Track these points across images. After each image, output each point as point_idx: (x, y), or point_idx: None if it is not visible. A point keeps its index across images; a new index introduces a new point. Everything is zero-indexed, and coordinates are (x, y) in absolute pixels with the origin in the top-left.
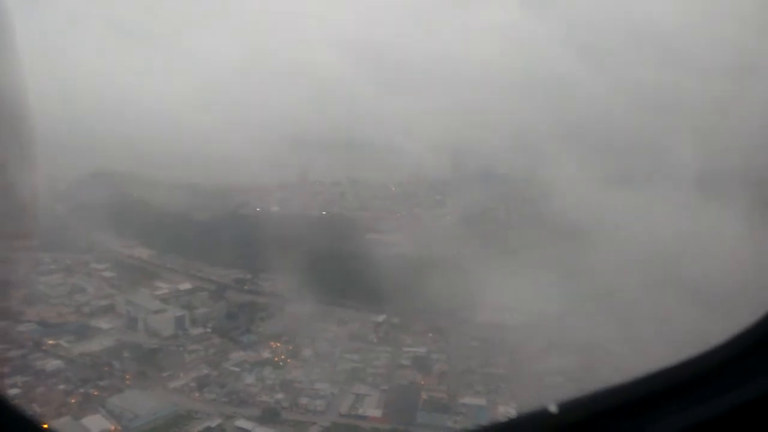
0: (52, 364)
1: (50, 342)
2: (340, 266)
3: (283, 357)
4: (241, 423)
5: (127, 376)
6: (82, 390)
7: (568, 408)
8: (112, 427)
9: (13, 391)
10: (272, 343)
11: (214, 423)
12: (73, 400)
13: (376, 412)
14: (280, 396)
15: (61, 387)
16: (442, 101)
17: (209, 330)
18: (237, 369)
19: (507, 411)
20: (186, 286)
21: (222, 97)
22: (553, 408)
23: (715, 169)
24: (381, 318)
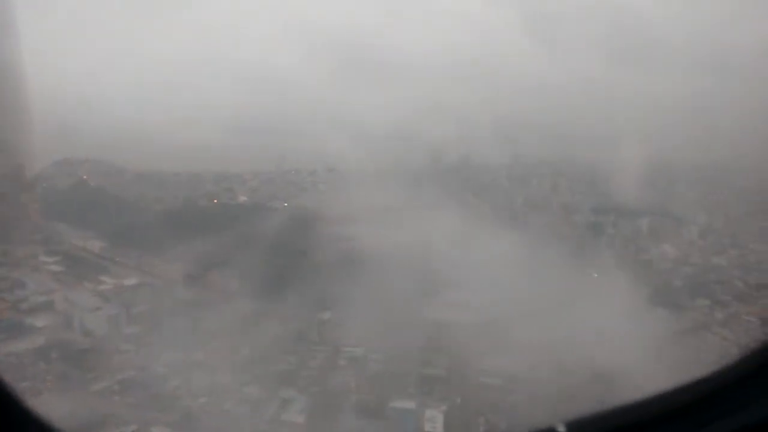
0: None
1: None
2: (294, 261)
3: (216, 358)
4: (157, 430)
5: (49, 379)
6: None
7: (573, 428)
8: None
9: None
10: (208, 344)
11: (128, 429)
12: None
13: (299, 418)
14: (204, 400)
15: None
16: (411, 91)
17: (145, 329)
18: (165, 371)
19: (435, 415)
20: (132, 281)
21: (194, 83)
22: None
23: None
24: (327, 315)
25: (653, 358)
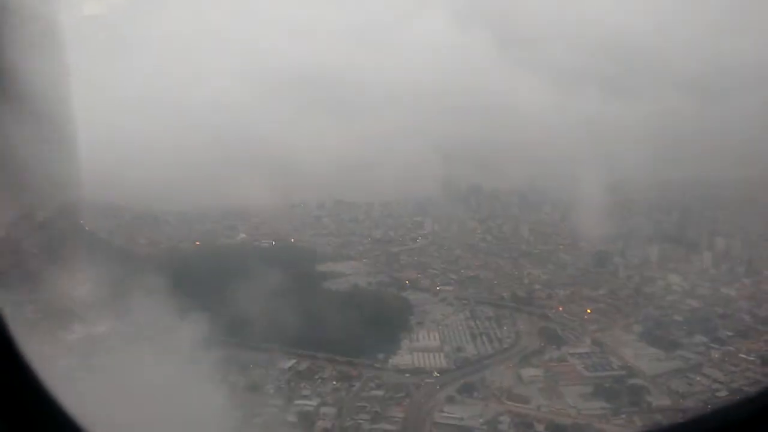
0: None
1: None
2: (273, 303)
3: (152, 417)
4: None
5: None
6: None
7: None
8: None
9: None
10: (152, 400)
11: None
12: None
13: None
14: None
15: None
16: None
17: (93, 382)
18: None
19: None
20: (102, 329)
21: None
22: None
23: None
24: (290, 363)
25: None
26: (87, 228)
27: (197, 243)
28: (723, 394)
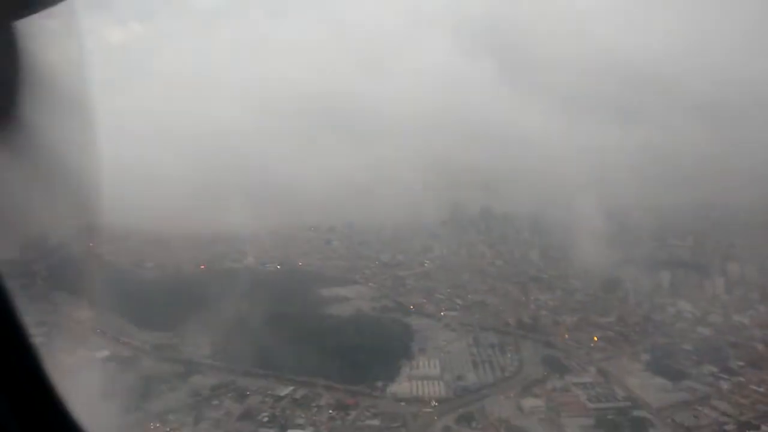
0: None
1: None
2: (274, 328)
3: None
4: None
5: None
6: None
7: None
8: None
9: None
10: (152, 424)
11: None
12: None
13: None
14: None
15: None
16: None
17: (91, 408)
18: None
19: None
20: (103, 354)
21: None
22: None
23: None
24: (286, 391)
25: None
26: (97, 251)
27: (202, 267)
28: (731, 428)
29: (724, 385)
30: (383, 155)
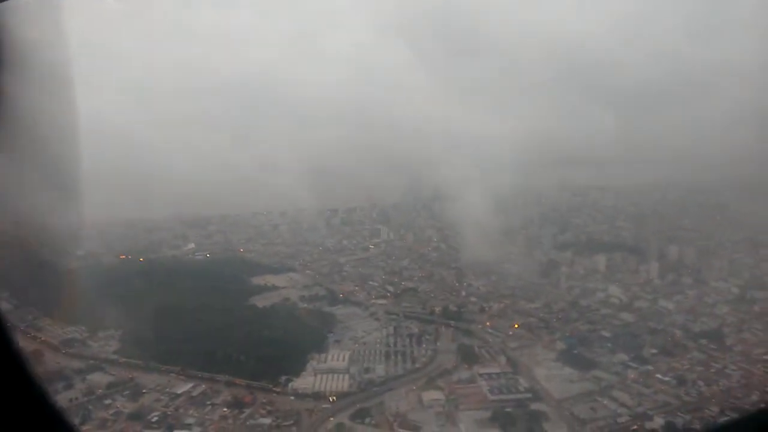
0: None
1: None
2: (187, 321)
3: None
4: None
5: None
6: None
7: None
8: None
9: None
10: None
11: None
12: None
13: None
14: None
15: None
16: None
17: None
18: None
19: None
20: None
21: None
22: None
23: None
24: (185, 388)
25: None
26: (26, 241)
27: (122, 256)
28: (624, 420)
29: (631, 375)
30: (323, 139)
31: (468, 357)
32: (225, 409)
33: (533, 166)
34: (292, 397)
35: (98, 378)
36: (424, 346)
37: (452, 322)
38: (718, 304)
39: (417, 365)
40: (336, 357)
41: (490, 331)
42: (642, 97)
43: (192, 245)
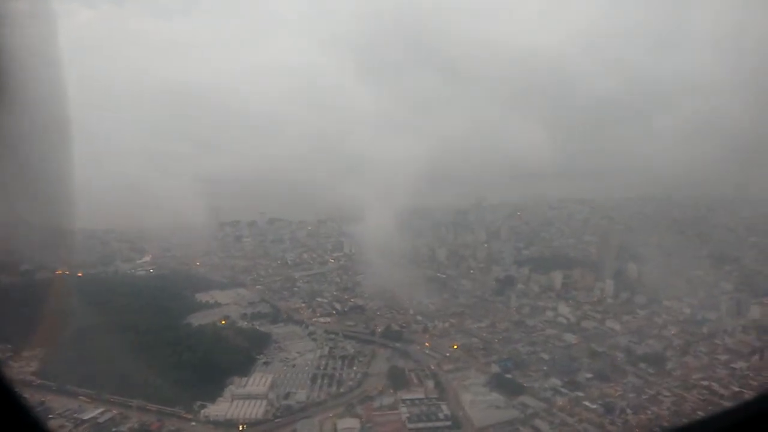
0: None
1: None
2: (116, 342)
3: None
4: None
5: None
6: None
7: None
8: None
9: None
10: None
11: None
12: None
13: None
14: None
15: None
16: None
17: None
18: None
19: None
20: None
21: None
22: None
23: None
24: (94, 413)
25: None
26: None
27: (58, 272)
28: None
29: (559, 401)
30: (278, 152)
31: (396, 381)
32: None
33: (504, 179)
34: (202, 424)
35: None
36: (355, 368)
37: (391, 343)
38: (667, 325)
39: (342, 390)
40: (258, 381)
41: (428, 352)
42: (599, 110)
43: (147, 258)
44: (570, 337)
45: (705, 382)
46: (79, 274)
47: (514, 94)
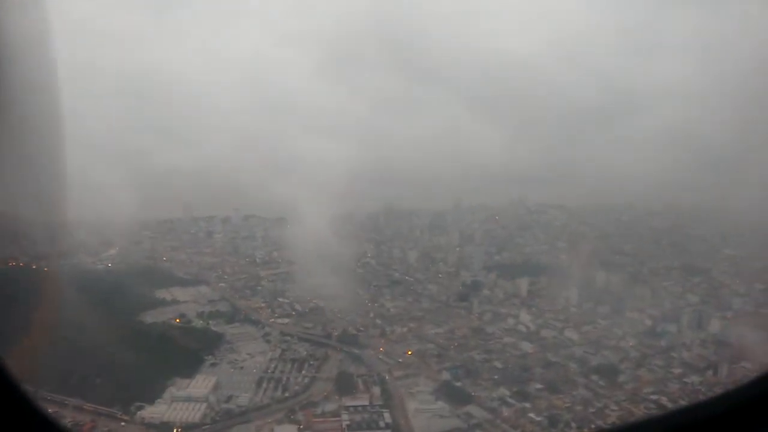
0: None
1: None
2: (61, 339)
3: None
4: None
5: None
6: None
7: None
8: None
9: None
10: None
11: None
12: None
13: None
14: None
15: None
16: None
17: None
18: None
19: None
20: None
21: None
22: None
23: None
24: None
25: None
26: None
27: (11, 263)
28: None
29: (505, 412)
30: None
31: (344, 386)
32: None
33: (483, 183)
34: (137, 426)
35: None
36: (304, 372)
37: (346, 347)
38: (626, 336)
39: (287, 394)
40: (201, 383)
41: (381, 357)
42: (580, 116)
43: (114, 251)
44: (527, 346)
45: (654, 396)
46: (33, 266)
47: (488, 97)
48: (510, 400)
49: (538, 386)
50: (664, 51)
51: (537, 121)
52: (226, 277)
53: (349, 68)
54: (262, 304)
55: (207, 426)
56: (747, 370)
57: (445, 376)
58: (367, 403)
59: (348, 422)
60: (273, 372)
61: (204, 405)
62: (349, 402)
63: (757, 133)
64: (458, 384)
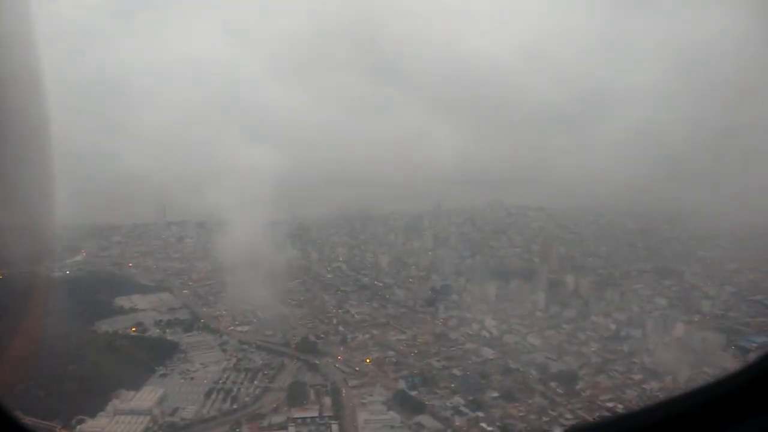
0: None
1: None
2: (9, 348)
3: None
4: None
5: None
6: None
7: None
8: None
9: None
10: None
11: None
12: None
13: None
14: None
15: None
16: None
17: None
18: None
19: None
20: None
21: None
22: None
23: None
24: None
25: None
26: None
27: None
28: None
29: (457, 422)
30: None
31: (295, 397)
32: None
33: (458, 185)
34: None
35: None
36: (256, 382)
37: (303, 355)
38: (589, 341)
39: (236, 406)
40: (146, 395)
41: (338, 366)
42: (544, 120)
43: (80, 257)
44: (488, 352)
45: (611, 404)
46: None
47: (460, 99)
48: (464, 410)
49: (495, 394)
50: (635, 54)
51: (510, 123)
52: (191, 283)
53: (320, 69)
54: (223, 312)
55: None
56: (707, 375)
57: (401, 384)
58: (316, 414)
59: None
60: (224, 383)
61: (147, 418)
62: (297, 413)
63: (729, 136)
64: (413, 393)
